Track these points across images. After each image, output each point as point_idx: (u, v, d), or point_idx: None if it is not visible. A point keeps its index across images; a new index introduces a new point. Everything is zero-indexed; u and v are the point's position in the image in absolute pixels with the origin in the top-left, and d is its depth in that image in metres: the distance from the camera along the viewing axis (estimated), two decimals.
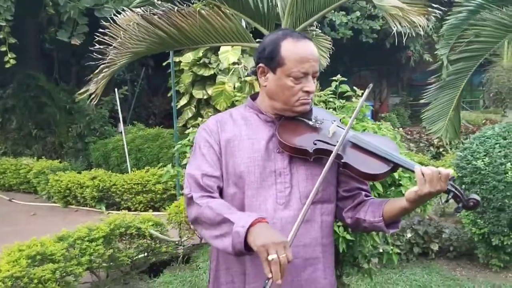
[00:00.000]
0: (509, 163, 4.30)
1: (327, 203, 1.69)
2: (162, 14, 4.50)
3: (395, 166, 1.61)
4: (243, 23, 5.19)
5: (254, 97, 1.80)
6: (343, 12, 12.59)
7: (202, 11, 4.58)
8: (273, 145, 1.66)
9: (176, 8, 4.58)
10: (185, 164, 3.25)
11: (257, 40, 5.42)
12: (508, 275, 4.69)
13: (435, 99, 6.25)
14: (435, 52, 6.11)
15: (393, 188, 2.63)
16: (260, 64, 1.66)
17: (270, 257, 1.31)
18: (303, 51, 1.61)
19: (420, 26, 2.84)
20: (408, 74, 19.20)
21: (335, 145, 1.59)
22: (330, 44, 7.65)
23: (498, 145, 4.48)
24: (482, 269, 4.84)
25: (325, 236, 1.69)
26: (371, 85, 1.76)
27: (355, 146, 1.65)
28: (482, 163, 4.43)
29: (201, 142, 1.70)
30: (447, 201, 1.55)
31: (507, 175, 4.27)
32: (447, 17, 5.79)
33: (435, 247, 4.98)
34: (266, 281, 1.31)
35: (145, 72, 13.29)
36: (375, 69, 17.78)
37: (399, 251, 3.10)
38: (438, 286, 4.39)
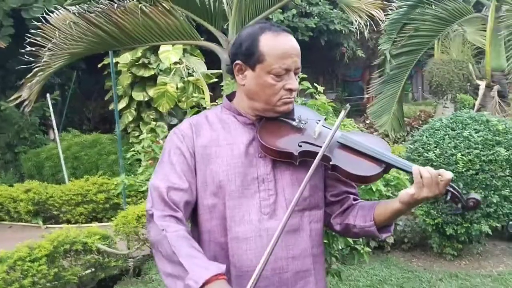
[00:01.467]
0: (459, 154, 4.38)
1: (315, 209, 1.54)
2: (100, 11, 4.22)
3: (388, 167, 1.48)
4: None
5: (230, 97, 1.62)
6: (279, 10, 12.61)
7: (145, 8, 4.34)
8: (254, 149, 1.49)
9: (116, 5, 4.31)
10: (140, 173, 3.02)
11: (203, 38, 5.25)
12: (461, 263, 4.81)
13: (380, 94, 6.35)
14: (378, 47, 6.21)
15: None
16: (237, 61, 1.49)
17: None
18: (284, 45, 1.46)
19: (379, 19, 2.79)
20: (342, 71, 19.61)
21: (320, 146, 1.45)
22: None
23: (447, 136, 4.56)
24: (436, 259, 4.93)
25: (315, 245, 1.54)
26: (348, 107, 1.61)
27: (344, 146, 1.50)
28: (433, 154, 4.50)
29: (171, 148, 1.50)
30: (446, 202, 1.44)
31: (457, 165, 4.36)
32: (388, 13, 5.87)
33: (390, 239, 5.01)
34: None
35: (77, 76, 12.63)
36: (310, 67, 18.00)
37: (370, 249, 3.02)
38: (398, 279, 4.41)
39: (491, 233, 4.57)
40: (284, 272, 1.44)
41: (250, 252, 1.43)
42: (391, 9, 2.88)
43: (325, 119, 1.64)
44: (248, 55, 1.46)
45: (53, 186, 7.52)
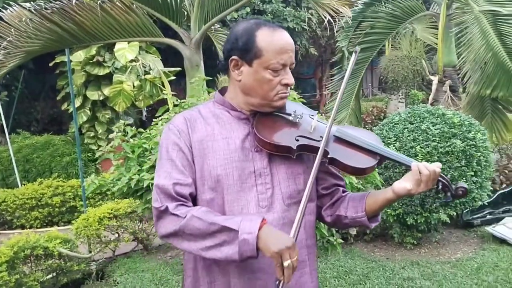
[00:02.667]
0: (418, 146, 4.54)
1: (309, 202, 1.56)
2: (58, 8, 4.08)
3: (382, 159, 1.54)
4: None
5: (222, 92, 1.62)
6: None
7: (104, 5, 4.24)
8: (249, 143, 1.51)
9: (74, 1, 4.18)
10: (112, 173, 2.95)
11: (167, 35, 5.17)
12: (421, 251, 4.99)
13: (339, 90, 6.47)
14: (336, 45, 6.33)
15: None
16: (233, 57, 1.49)
17: (285, 263, 1.27)
18: (281, 41, 1.48)
19: (346, 15, 2.85)
20: (295, 68, 19.73)
21: (318, 140, 1.49)
22: None
23: (406, 129, 4.72)
24: (397, 248, 5.09)
25: (309, 237, 1.59)
26: (358, 48, 1.67)
27: (340, 140, 1.55)
28: (394, 148, 4.64)
29: (168, 145, 1.50)
30: (437, 192, 1.51)
31: (417, 157, 4.51)
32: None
33: (353, 231, 5.12)
34: (277, 283, 1.30)
35: (24, 75, 12.12)
36: None
37: (342, 240, 3.09)
38: (363, 269, 4.53)
39: (448, 221, 4.77)
40: None
41: None
42: (356, 6, 2.96)
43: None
44: (245, 50, 1.47)
45: (5, 190, 7.20)
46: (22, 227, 6.76)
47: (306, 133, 1.52)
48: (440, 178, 1.48)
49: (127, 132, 2.98)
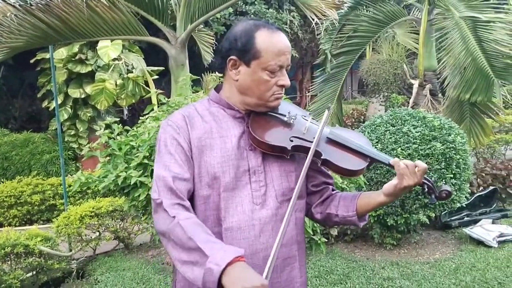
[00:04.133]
0: (399, 148, 4.63)
1: (299, 199, 1.61)
2: (43, 4, 4.05)
3: (372, 161, 1.59)
4: None
5: (216, 90, 1.65)
6: None
7: (90, 2, 4.22)
8: (244, 142, 1.54)
9: None
10: (98, 170, 2.94)
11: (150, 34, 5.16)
12: (400, 251, 5.08)
13: (320, 92, 6.55)
14: (319, 47, 6.40)
15: None
16: (232, 57, 1.51)
17: None
18: (280, 43, 1.50)
19: (332, 18, 2.89)
20: None
21: (310, 141, 1.53)
22: (213, 40, 7.60)
23: (388, 132, 4.80)
24: (377, 248, 5.17)
25: (299, 233, 1.63)
26: (331, 107, 1.72)
27: (332, 142, 1.59)
28: (375, 149, 4.71)
29: (167, 139, 1.51)
30: (423, 194, 1.57)
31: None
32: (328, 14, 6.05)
33: (334, 232, 5.18)
34: None
35: (2, 72, 11.92)
36: None
37: (325, 240, 3.13)
38: (344, 269, 4.59)
39: (428, 223, 4.86)
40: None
41: (244, 241, 1.47)
42: (343, 9, 3.02)
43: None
44: (243, 51, 1.49)
45: None
46: (1, 225, 6.66)
47: (299, 134, 1.55)
48: (425, 181, 1.54)
49: (114, 130, 2.98)
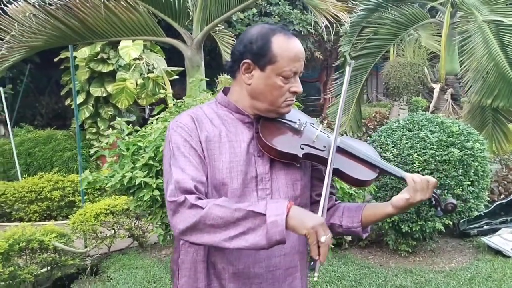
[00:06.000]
0: (415, 154, 4.54)
1: (304, 208, 1.59)
2: (62, 4, 4.11)
3: (381, 172, 1.59)
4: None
5: (224, 93, 1.62)
6: None
7: (108, 3, 4.27)
8: (253, 148, 1.51)
9: None
10: (106, 169, 2.98)
11: (166, 35, 5.20)
12: (415, 259, 4.98)
13: (339, 94, 6.48)
14: (339, 49, 6.35)
15: None
16: (246, 60, 1.48)
17: (322, 239, 1.26)
18: (296, 49, 1.48)
19: (344, 21, 2.86)
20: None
21: (321, 150, 1.52)
22: (234, 41, 7.63)
23: (404, 136, 4.72)
24: (392, 255, 5.09)
25: (302, 243, 1.59)
26: (352, 62, 1.69)
27: (343, 151, 1.57)
28: (391, 154, 4.65)
29: (179, 142, 1.46)
30: (430, 206, 1.56)
31: (414, 165, 4.52)
32: (349, 16, 6.00)
33: (348, 237, 5.13)
34: (312, 264, 1.28)
35: (29, 70, 12.19)
36: None
37: (332, 246, 3.09)
38: (355, 275, 4.53)
39: (444, 230, 4.76)
40: (277, 269, 1.49)
41: (247, 251, 1.45)
42: (355, 12, 2.99)
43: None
44: (259, 55, 1.46)
45: (5, 183, 7.27)
46: (21, 220, 6.81)
47: (310, 141, 1.54)
48: (433, 194, 1.53)
49: (123, 130, 3.01)
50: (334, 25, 4.33)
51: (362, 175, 1.54)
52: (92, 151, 2.98)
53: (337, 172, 1.54)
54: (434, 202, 1.55)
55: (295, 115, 1.60)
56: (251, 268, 1.45)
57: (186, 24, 4.70)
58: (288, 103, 1.52)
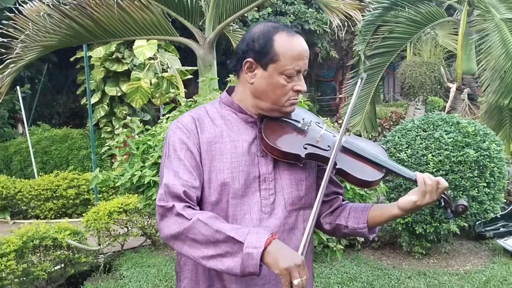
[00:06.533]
0: (430, 154, 4.47)
1: (308, 208, 1.55)
2: (76, 4, 4.15)
3: (387, 173, 1.54)
4: None
5: (228, 92, 1.59)
6: (255, 8, 12.61)
7: (121, 2, 4.29)
8: (256, 148, 1.49)
9: None
10: (115, 168, 2.99)
11: (178, 34, 5.21)
12: (429, 261, 4.92)
13: (352, 95, 6.43)
14: (353, 48, 6.29)
15: None
16: (248, 59, 1.46)
17: (295, 282, 1.22)
18: (299, 47, 1.46)
19: (356, 19, 2.83)
20: (315, 71, 19.73)
21: (325, 150, 1.48)
22: None
23: (419, 137, 4.65)
24: (405, 257, 5.03)
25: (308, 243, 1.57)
26: (364, 75, 1.65)
27: (348, 151, 1.53)
28: (405, 155, 4.59)
29: (176, 143, 1.45)
30: (439, 208, 1.51)
31: (428, 165, 4.45)
32: (363, 14, 5.95)
33: (361, 238, 5.09)
34: None
35: (47, 69, 12.36)
36: None
37: (342, 246, 3.06)
38: (368, 277, 4.48)
39: (459, 233, 4.69)
40: None
41: None
42: (368, 11, 2.95)
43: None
44: (261, 53, 1.44)
45: (22, 180, 7.37)
46: (37, 217, 6.90)
47: (313, 141, 1.51)
48: (443, 195, 1.48)
49: (134, 129, 3.02)
50: (349, 24, 4.30)
51: (367, 176, 1.50)
52: (103, 150, 2.99)
53: (341, 172, 1.50)
54: (443, 203, 1.50)
55: (300, 114, 1.57)
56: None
57: (199, 23, 4.70)
58: (292, 102, 1.49)
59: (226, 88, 1.63)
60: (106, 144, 3.00)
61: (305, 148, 1.48)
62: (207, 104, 1.61)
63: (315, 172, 1.60)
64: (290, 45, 1.44)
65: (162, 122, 3.00)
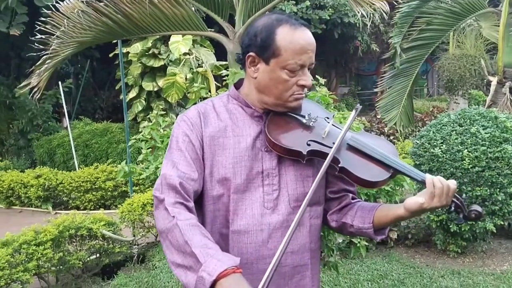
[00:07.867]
0: (465, 150, 4.33)
1: (316, 205, 1.53)
2: (109, 1, 4.24)
3: (395, 173, 1.47)
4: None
5: (236, 86, 1.58)
6: (293, 2, 12.52)
7: None
8: (260, 143, 1.47)
9: None
10: (141, 161, 3.05)
11: (210, 29, 5.25)
12: (465, 260, 4.77)
13: (389, 88, 6.30)
14: (389, 41, 6.15)
15: None
16: (251, 53, 1.43)
17: None
18: (302, 40, 1.41)
19: (383, 11, 2.76)
20: (356, 64, 19.42)
21: (329, 147, 1.43)
22: None
23: (454, 132, 4.51)
24: (440, 255, 4.90)
25: (314, 241, 1.54)
26: (359, 107, 1.59)
27: (353, 149, 1.48)
28: (440, 150, 4.46)
29: (179, 135, 1.46)
30: (449, 212, 1.45)
31: (464, 162, 4.31)
32: (400, 6, 5.81)
33: (394, 235, 4.99)
34: None
35: (90, 65, 12.73)
36: (323, 60, 17.81)
37: (366, 243, 3.01)
38: (399, 274, 4.40)
39: (495, 231, 4.53)
40: (282, 266, 1.43)
41: (250, 246, 1.42)
42: (399, 2, 2.85)
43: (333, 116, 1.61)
44: (263, 47, 1.41)
45: (64, 172, 7.65)
46: (77, 208, 7.14)
47: (318, 138, 1.46)
48: (454, 199, 1.42)
49: (160, 123, 3.07)
50: (390, 17, 4.19)
51: (371, 176, 1.43)
52: (129, 143, 3.05)
53: (342, 171, 1.44)
54: (454, 207, 1.43)
55: (308, 109, 1.52)
56: (255, 264, 1.41)
57: (228, 17, 4.72)
58: (296, 97, 1.45)
59: (235, 82, 1.62)
60: (132, 138, 3.06)
61: (309, 145, 1.44)
62: (215, 98, 1.59)
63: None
64: (293, 39, 1.40)
65: None
